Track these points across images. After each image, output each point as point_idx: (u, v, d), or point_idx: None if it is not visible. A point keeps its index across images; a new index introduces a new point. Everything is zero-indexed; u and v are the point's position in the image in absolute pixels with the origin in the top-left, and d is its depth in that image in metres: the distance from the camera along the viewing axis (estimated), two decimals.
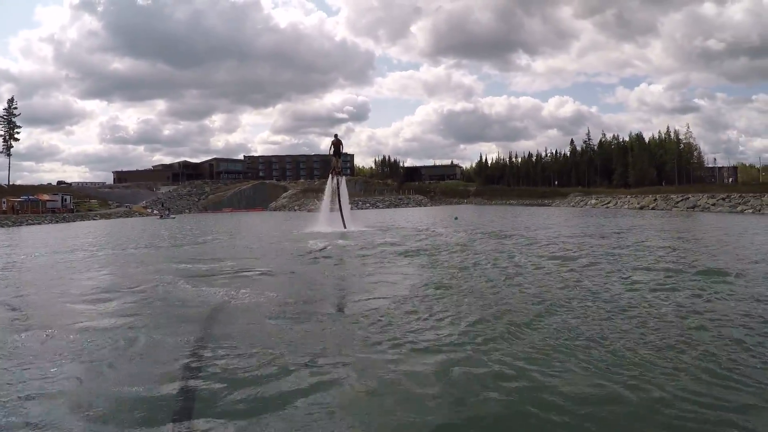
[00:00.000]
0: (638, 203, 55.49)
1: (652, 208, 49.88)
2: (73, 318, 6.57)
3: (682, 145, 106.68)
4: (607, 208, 58.79)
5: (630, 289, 7.73)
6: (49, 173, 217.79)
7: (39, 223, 53.74)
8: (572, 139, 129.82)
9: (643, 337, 5.22)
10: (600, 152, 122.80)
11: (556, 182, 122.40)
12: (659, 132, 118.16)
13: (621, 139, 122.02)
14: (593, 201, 69.66)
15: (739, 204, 41.89)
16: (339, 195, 22.53)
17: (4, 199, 64.84)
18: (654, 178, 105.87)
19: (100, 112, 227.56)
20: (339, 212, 22.98)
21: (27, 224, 51.95)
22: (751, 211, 38.96)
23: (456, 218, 27.31)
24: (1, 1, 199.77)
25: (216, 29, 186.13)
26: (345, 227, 21.88)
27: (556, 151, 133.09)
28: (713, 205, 44.46)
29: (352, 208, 28.26)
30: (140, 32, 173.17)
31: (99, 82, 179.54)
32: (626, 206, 56.93)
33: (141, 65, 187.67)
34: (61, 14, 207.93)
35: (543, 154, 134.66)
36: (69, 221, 59.28)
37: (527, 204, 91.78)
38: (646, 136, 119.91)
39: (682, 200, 48.49)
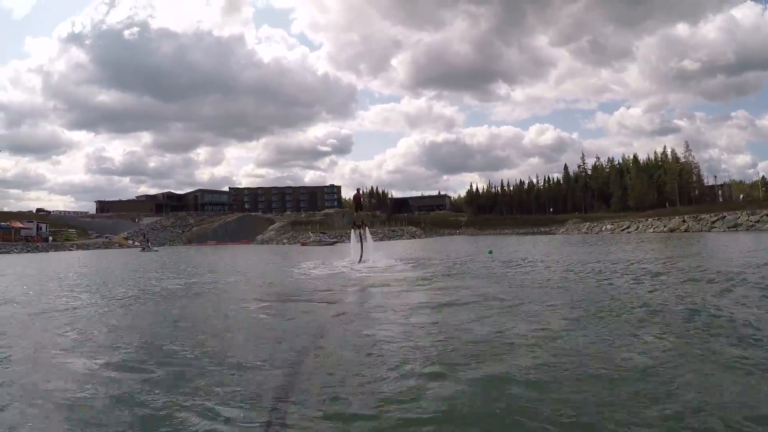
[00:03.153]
0: (664, 226, 50.73)
1: (685, 231, 45.17)
2: None
3: (679, 165, 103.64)
4: (629, 233, 53.70)
5: None
6: (35, 202, 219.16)
7: (7, 252, 50.25)
8: (565, 164, 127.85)
9: None
10: (595, 176, 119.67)
11: (551, 209, 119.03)
12: (654, 152, 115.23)
13: (616, 162, 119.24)
14: (609, 226, 64.64)
15: None
16: (362, 243, 22.00)
17: None
18: (655, 200, 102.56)
19: (87, 142, 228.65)
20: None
21: None
22: None
23: (491, 252, 22.93)
24: None
25: (201, 64, 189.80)
26: (362, 260, 20.39)
27: (548, 177, 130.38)
28: (758, 222, 39.87)
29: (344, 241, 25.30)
30: (126, 66, 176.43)
31: (86, 113, 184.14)
32: (651, 230, 52.07)
33: (127, 98, 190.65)
34: (50, 46, 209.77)
35: (533, 181, 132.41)
36: (42, 251, 56.28)
37: (523, 233, 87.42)
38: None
39: (718, 219, 43.84)
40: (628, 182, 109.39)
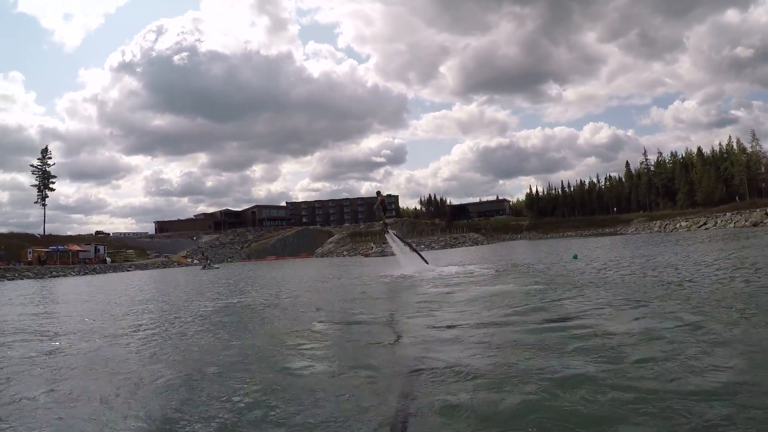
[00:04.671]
0: (745, 220, 47.96)
1: None
2: None
3: (746, 156, 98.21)
4: (707, 229, 50.95)
5: None
6: (97, 225, 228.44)
7: (64, 275, 50.70)
8: (627, 162, 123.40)
9: None
10: (658, 172, 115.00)
11: (615, 209, 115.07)
12: (719, 144, 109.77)
13: (679, 156, 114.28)
14: (684, 223, 61.66)
15: None
16: (401, 242, 21.96)
17: (30, 249, 62.82)
18: (724, 195, 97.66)
19: (145, 166, 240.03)
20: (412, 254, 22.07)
21: (50, 276, 48.89)
22: None
23: (575, 256, 21.99)
24: (47, 66, 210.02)
25: (251, 83, 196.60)
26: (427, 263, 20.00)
27: (609, 176, 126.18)
28: None
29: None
30: (178, 90, 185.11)
31: (142, 138, 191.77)
32: (731, 225, 49.30)
33: (181, 121, 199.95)
34: (103, 76, 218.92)
35: (594, 181, 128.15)
36: (100, 272, 56.68)
37: (587, 235, 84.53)
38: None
39: None
40: (694, 177, 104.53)
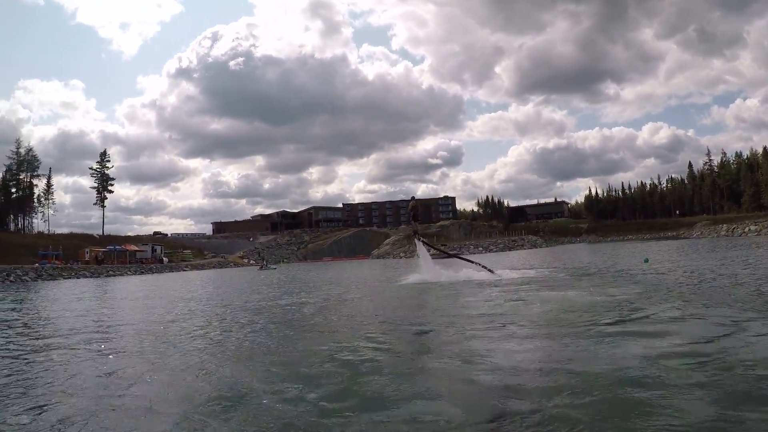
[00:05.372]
0: None
1: None
2: None
3: None
4: None
5: None
6: (157, 226, 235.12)
7: (121, 274, 52.09)
8: (690, 162, 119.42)
9: None
10: (722, 173, 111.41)
11: (678, 212, 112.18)
12: None
13: (744, 157, 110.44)
14: (753, 227, 60.23)
15: None
16: (425, 250, 21.66)
17: (87, 249, 64.79)
18: None
19: (203, 169, 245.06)
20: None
21: (106, 275, 50.37)
22: None
23: (647, 260, 21.97)
24: (106, 73, 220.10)
25: (307, 86, 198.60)
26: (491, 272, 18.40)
27: (671, 177, 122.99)
28: None
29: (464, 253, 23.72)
30: (235, 94, 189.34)
31: (200, 141, 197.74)
32: None
33: (238, 124, 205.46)
34: (160, 82, 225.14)
35: (655, 183, 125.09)
36: (156, 272, 57.69)
37: (649, 238, 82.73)
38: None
39: None
40: (761, 178, 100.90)
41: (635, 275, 14.67)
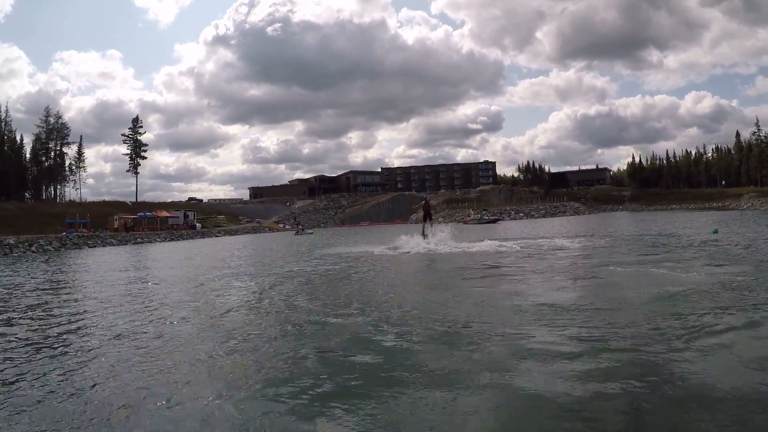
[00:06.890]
0: None
1: None
2: None
3: None
4: None
5: None
6: (197, 192, 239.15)
7: (150, 242, 50.79)
8: (737, 132, 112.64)
9: None
10: None
11: (723, 182, 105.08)
12: None
13: None
14: None
15: None
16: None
17: (116, 216, 63.30)
18: None
19: (242, 135, 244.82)
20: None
21: (133, 243, 48.88)
22: None
23: (715, 230, 20.12)
24: (143, 42, 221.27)
25: (345, 51, 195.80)
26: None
27: (718, 147, 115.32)
28: None
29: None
30: (273, 60, 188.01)
31: (239, 108, 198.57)
32: None
33: (277, 90, 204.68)
34: (198, 50, 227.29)
35: (701, 152, 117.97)
36: (187, 238, 56.56)
37: (693, 208, 79.01)
38: None
39: None
40: None
41: (728, 250, 13.02)
